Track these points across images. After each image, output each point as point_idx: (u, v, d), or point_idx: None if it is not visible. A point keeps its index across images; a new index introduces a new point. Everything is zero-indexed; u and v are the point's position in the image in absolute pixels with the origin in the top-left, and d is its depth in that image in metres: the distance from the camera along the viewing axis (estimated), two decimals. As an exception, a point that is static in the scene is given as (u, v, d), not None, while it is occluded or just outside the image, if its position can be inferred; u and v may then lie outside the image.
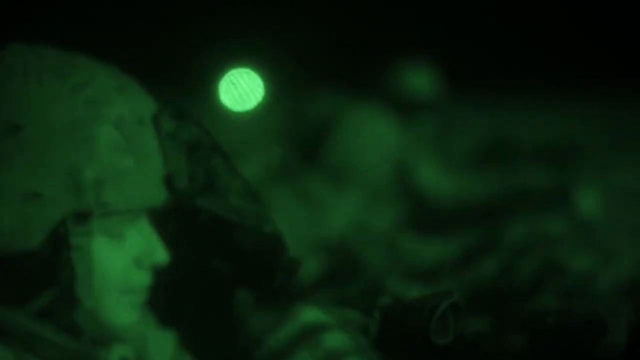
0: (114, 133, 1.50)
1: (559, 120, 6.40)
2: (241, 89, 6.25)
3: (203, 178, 1.54)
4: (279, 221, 3.89)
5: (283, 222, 4.01)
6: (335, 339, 1.52)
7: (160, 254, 1.54)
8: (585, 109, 7.12)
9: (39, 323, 1.51)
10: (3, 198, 1.46)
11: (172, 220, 1.55)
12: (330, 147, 4.17)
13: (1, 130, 1.47)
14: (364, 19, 8.26)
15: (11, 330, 1.52)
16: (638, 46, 7.23)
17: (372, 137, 4.23)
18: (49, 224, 1.47)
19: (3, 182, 1.46)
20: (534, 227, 3.42)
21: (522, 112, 6.57)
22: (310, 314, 1.54)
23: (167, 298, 1.58)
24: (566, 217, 3.72)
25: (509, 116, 6.45)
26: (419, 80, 4.75)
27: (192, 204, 1.52)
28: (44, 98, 1.50)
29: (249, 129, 5.92)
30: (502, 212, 3.88)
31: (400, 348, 1.46)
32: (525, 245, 3.14)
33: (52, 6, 8.13)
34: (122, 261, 1.52)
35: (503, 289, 2.74)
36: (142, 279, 1.54)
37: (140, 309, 1.54)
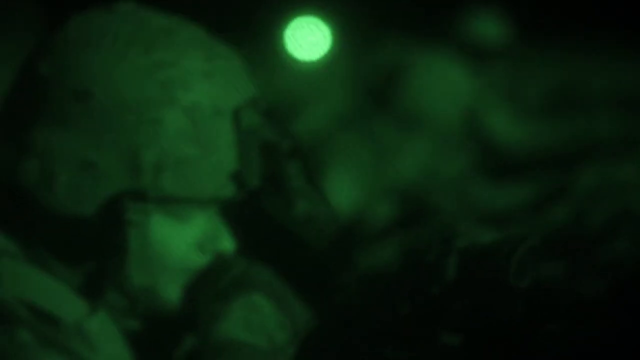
0: (183, 120, 1.46)
1: (632, 68, 6.31)
2: (308, 38, 6.25)
3: (275, 180, 1.50)
4: (349, 169, 3.88)
5: (354, 169, 4.02)
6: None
7: (226, 242, 1.52)
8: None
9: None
10: (61, 161, 1.44)
11: (242, 214, 1.53)
12: (400, 94, 4.17)
13: (72, 93, 1.45)
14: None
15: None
16: None
17: (442, 83, 4.22)
18: (101, 196, 1.44)
19: (63, 146, 1.45)
20: (606, 173, 3.40)
21: (594, 59, 6.49)
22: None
23: None
24: (638, 164, 3.68)
25: (581, 63, 6.38)
26: (490, 26, 4.72)
27: (259, 205, 1.50)
28: (124, 70, 1.45)
29: (318, 77, 5.92)
30: (574, 159, 3.86)
31: (477, 291, 1.45)
32: (597, 191, 3.13)
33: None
34: (183, 243, 1.50)
35: (575, 235, 2.73)
36: (202, 262, 1.53)
37: (183, 291, 1.53)
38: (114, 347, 1.51)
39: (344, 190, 3.76)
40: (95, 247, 1.49)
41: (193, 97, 1.46)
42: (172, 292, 1.52)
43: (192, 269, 1.51)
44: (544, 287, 1.58)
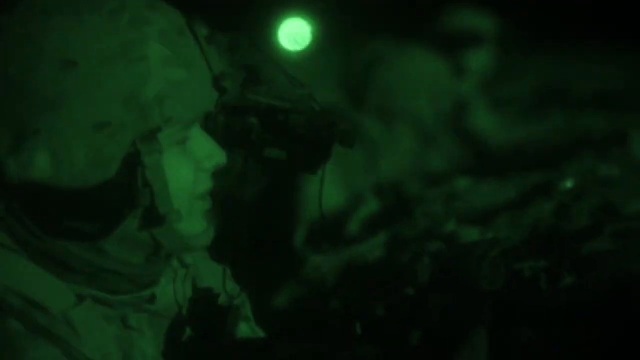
0: (161, 49, 1.52)
1: (617, 66, 6.33)
2: (292, 36, 6.25)
3: (248, 74, 1.57)
4: (336, 165, 3.89)
5: (339, 166, 4.00)
6: None
7: (219, 156, 1.58)
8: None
9: (103, 255, 1.54)
10: (74, 134, 1.47)
11: (222, 123, 1.58)
12: (380, 90, 4.16)
13: (56, 69, 1.47)
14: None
15: (77, 266, 1.55)
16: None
17: (425, 80, 4.22)
18: (122, 150, 1.49)
19: (70, 119, 1.47)
20: (590, 171, 3.41)
21: (578, 57, 6.51)
22: None
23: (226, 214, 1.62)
24: (623, 162, 3.69)
25: (565, 61, 6.40)
26: (474, 22, 4.71)
27: (243, 101, 1.55)
28: (87, 30, 1.49)
29: (306, 72, 5.91)
30: (558, 156, 3.87)
31: (449, 293, 1.46)
32: (582, 188, 3.13)
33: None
34: (189, 167, 1.55)
35: (559, 232, 2.73)
36: (206, 183, 1.58)
37: (205, 218, 1.58)
38: (99, 335, 1.53)
39: (328, 186, 3.75)
40: (121, 208, 1.50)
41: (158, 27, 1.53)
42: (191, 224, 1.56)
43: (200, 194, 1.56)
44: (524, 283, 1.58)
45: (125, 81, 1.49)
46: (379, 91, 4.14)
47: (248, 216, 1.56)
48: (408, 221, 3.09)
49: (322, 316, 1.53)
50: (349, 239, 3.15)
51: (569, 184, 3.12)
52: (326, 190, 3.75)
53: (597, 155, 3.81)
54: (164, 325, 1.65)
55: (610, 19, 6.67)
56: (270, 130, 1.59)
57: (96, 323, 1.54)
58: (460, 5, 4.76)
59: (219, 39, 1.58)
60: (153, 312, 1.63)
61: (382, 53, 4.23)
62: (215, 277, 1.77)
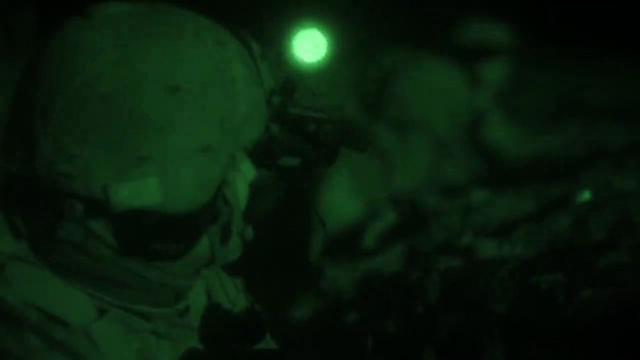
0: (243, 68, 1.53)
1: (634, 77, 6.31)
2: (307, 48, 6.24)
3: (287, 87, 1.58)
4: (352, 177, 3.85)
5: (357, 178, 3.99)
6: None
7: (250, 170, 1.57)
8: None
9: (157, 269, 1.53)
10: (181, 158, 1.46)
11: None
12: (397, 102, 4.16)
13: (161, 94, 1.46)
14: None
15: (128, 281, 1.53)
16: None
17: (441, 92, 4.22)
18: (220, 171, 1.48)
19: (177, 144, 1.46)
20: (607, 183, 3.40)
21: (593, 68, 6.49)
22: None
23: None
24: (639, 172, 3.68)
25: (580, 72, 6.38)
26: (489, 34, 4.71)
27: (285, 115, 1.56)
28: (181, 55, 1.48)
29: (321, 83, 5.91)
30: (575, 168, 3.86)
31: (459, 311, 1.45)
32: (598, 201, 3.12)
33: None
34: (245, 183, 1.55)
35: (575, 245, 2.73)
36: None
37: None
38: (120, 350, 1.52)
39: (344, 199, 3.75)
40: (201, 228, 1.50)
41: (236, 47, 1.53)
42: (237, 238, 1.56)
43: (242, 207, 1.55)
44: (542, 294, 1.57)
45: (221, 103, 1.49)
46: (395, 102, 4.14)
47: (264, 228, 1.56)
48: (424, 233, 3.08)
49: (336, 329, 1.51)
50: (366, 251, 3.15)
51: (586, 196, 3.11)
52: (342, 202, 3.74)
53: (613, 167, 3.80)
54: (183, 336, 1.64)
55: (626, 30, 6.65)
56: (295, 139, 1.60)
57: (117, 337, 1.53)
58: (476, 17, 4.75)
59: (271, 55, 1.59)
60: (181, 325, 1.62)
61: (398, 64, 4.22)
62: (228, 288, 1.76)
